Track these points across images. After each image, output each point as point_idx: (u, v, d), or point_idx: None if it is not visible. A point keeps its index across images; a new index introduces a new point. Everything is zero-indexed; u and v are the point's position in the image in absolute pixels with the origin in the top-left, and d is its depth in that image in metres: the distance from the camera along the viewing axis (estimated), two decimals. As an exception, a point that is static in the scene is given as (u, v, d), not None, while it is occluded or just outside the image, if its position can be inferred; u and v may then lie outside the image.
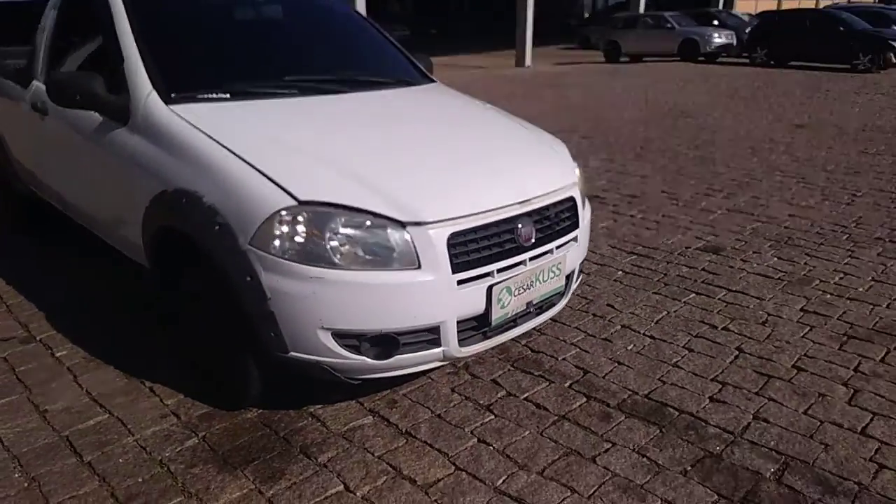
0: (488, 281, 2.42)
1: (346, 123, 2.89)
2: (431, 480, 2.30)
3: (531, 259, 2.56)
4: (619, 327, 3.41)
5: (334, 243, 2.25)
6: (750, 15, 24.32)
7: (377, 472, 2.34)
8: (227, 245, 2.31)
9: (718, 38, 19.76)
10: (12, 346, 3.18)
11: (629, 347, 3.20)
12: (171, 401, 2.74)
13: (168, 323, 3.20)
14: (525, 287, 2.57)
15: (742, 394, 2.81)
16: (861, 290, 3.81)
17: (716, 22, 21.67)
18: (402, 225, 2.29)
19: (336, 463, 2.38)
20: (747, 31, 20.26)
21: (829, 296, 3.73)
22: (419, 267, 2.29)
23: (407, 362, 2.41)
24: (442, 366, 2.69)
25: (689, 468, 2.35)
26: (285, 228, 2.25)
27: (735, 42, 20.02)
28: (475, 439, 2.52)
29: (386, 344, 2.35)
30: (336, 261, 2.24)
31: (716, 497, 2.21)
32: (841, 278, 3.97)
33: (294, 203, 2.26)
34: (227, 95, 2.89)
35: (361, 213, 2.28)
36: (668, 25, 20.45)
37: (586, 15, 50.43)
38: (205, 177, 2.45)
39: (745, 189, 6.00)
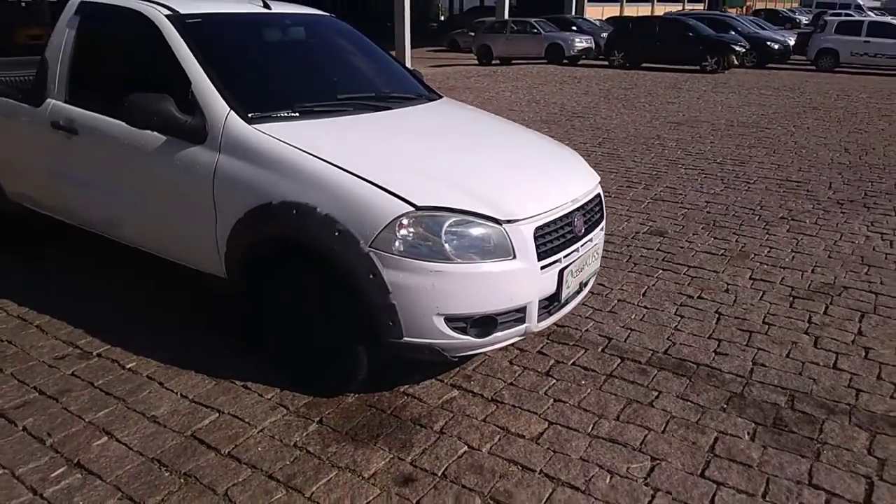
0: (559, 266, 2.92)
1: (409, 136, 3.27)
2: (535, 434, 2.75)
3: (582, 246, 3.09)
4: (616, 301, 4.02)
5: (448, 241, 2.65)
6: (601, 21, 26.43)
7: (489, 432, 2.76)
8: (349, 249, 2.63)
9: (580, 43, 21.40)
10: (74, 363, 3.22)
11: (633, 317, 3.82)
12: (270, 395, 2.98)
13: (254, 324, 3.33)
14: (580, 269, 3.10)
15: (736, 347, 3.50)
16: (788, 260, 4.70)
17: (574, 28, 23.38)
18: (499, 223, 2.72)
19: (451, 429, 2.77)
20: (603, 35, 22.14)
21: (766, 266, 4.58)
22: (514, 257, 2.74)
23: (500, 339, 2.85)
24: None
25: (725, 405, 2.98)
26: (405, 231, 2.62)
27: (594, 46, 21.77)
28: (551, 399, 3.00)
29: (487, 324, 2.77)
30: (450, 256, 2.64)
31: (753, 425, 2.84)
32: (769, 251, 4.85)
33: (411, 209, 2.63)
34: (297, 114, 3.16)
35: (468, 214, 2.69)
36: (535, 31, 21.83)
37: (441, 18, 51.79)
38: (314, 189, 2.73)
39: (658, 180, 6.90)
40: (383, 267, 2.61)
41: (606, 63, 20.96)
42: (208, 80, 3.11)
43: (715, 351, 3.45)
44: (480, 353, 3.17)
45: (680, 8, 38.34)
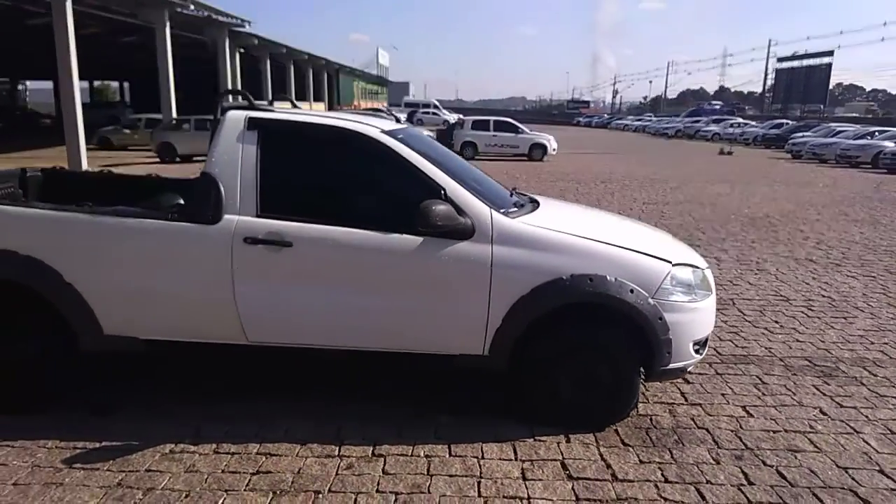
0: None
1: (593, 218, 4.31)
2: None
3: None
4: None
5: (694, 285, 3.77)
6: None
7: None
8: (642, 301, 3.56)
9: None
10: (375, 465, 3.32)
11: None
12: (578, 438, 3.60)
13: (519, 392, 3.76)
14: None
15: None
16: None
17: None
18: (702, 270, 3.94)
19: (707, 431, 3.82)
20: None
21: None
22: (713, 293, 3.97)
23: (702, 356, 4.01)
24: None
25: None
26: (669, 282, 3.66)
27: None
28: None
29: (705, 344, 3.94)
30: (696, 296, 3.77)
31: None
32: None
33: (671, 265, 3.70)
34: (515, 209, 3.90)
35: (695, 266, 3.85)
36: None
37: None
38: (598, 261, 3.59)
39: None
40: (664, 311, 3.60)
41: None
42: (458, 185, 3.66)
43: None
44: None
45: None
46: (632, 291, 3.55)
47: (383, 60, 73.10)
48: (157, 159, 21.67)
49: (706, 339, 3.94)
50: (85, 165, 18.73)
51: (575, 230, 3.76)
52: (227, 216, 3.59)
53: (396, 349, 3.70)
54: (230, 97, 4.12)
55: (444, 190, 3.62)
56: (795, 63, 65.06)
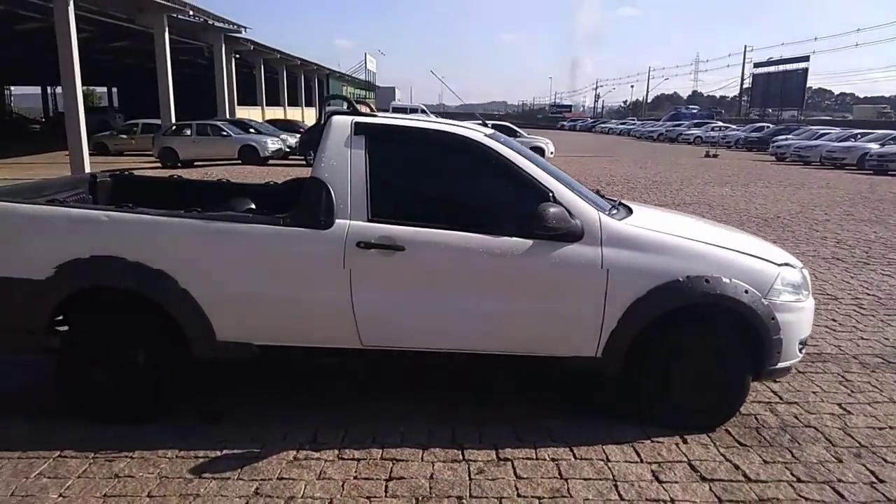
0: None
1: (685, 221, 4.38)
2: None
3: None
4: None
5: (799, 285, 3.81)
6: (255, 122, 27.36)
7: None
8: (756, 302, 3.60)
9: (273, 144, 22.19)
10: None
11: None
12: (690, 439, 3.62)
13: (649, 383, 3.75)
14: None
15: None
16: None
17: (252, 130, 24.00)
18: (801, 270, 3.98)
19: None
20: (283, 137, 23.43)
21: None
22: (811, 293, 4.02)
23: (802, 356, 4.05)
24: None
25: None
26: (779, 283, 3.71)
27: (283, 147, 22.83)
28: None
29: (805, 343, 3.98)
30: (801, 295, 3.81)
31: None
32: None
33: (779, 266, 3.74)
34: (615, 211, 3.94)
35: (793, 266, 3.89)
36: (224, 133, 21.87)
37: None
38: (714, 264, 3.62)
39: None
40: (775, 312, 3.64)
41: (304, 162, 22.13)
42: (565, 188, 3.69)
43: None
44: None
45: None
46: (746, 292, 3.58)
47: (371, 66, 73.03)
48: (159, 165, 21.42)
49: (807, 339, 3.99)
50: (88, 171, 18.52)
51: (679, 232, 3.79)
52: (338, 221, 3.57)
53: (509, 352, 3.70)
54: (329, 102, 4.08)
55: (553, 193, 3.64)
56: (772, 68, 66.02)
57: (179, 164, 21.43)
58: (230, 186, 5.19)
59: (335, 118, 3.77)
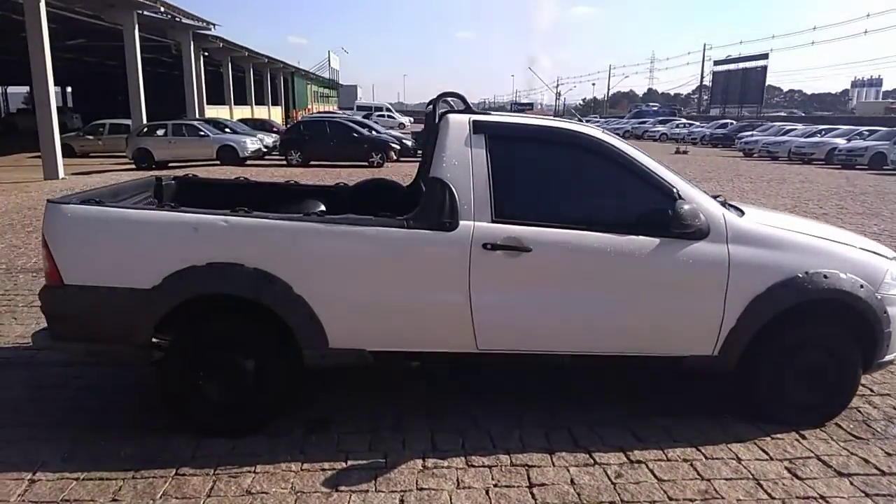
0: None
1: (792, 218, 4.38)
2: (935, 403, 4.09)
3: None
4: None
5: (903, 278, 3.86)
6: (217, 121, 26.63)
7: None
8: (870, 296, 3.62)
9: (252, 145, 21.72)
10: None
11: None
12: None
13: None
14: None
15: None
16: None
17: (228, 129, 23.46)
18: None
19: (911, 414, 3.91)
20: (260, 137, 22.97)
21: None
22: None
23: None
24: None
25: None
26: (889, 277, 3.74)
27: (262, 147, 22.38)
28: None
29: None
30: (904, 287, 3.86)
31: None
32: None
33: (888, 261, 3.78)
34: (731, 209, 3.91)
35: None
36: (202, 133, 21.31)
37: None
38: (830, 259, 3.63)
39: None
40: (888, 305, 3.67)
41: (284, 162, 21.74)
42: (688, 185, 3.65)
43: None
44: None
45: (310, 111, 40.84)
46: (861, 287, 3.60)
47: (335, 64, 72.24)
48: (133, 166, 20.75)
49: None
50: (62, 174, 17.84)
51: (793, 228, 3.80)
52: (462, 222, 3.46)
53: (630, 352, 3.65)
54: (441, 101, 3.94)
55: (677, 190, 3.60)
56: (732, 66, 67.57)
57: (154, 166, 20.80)
58: (299, 188, 5.01)
59: (451, 116, 3.66)
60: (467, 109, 3.78)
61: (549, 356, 3.63)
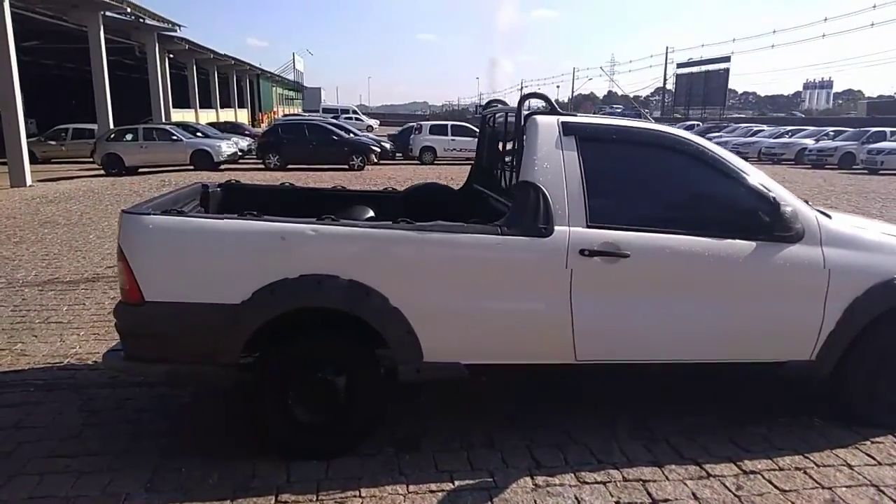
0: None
1: (868, 221, 4.33)
2: None
3: None
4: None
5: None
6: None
7: None
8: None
9: (227, 148, 21.20)
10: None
11: None
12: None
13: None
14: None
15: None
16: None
17: (199, 133, 22.87)
18: None
19: None
20: (234, 140, 22.49)
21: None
22: None
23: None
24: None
25: None
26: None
27: (238, 151, 21.88)
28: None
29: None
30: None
31: None
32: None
33: None
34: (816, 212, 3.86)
35: None
36: (175, 137, 20.70)
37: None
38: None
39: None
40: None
41: (262, 166, 21.27)
42: (781, 188, 3.58)
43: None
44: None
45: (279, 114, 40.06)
46: (948, 288, 3.57)
47: (300, 66, 71.38)
48: (101, 172, 20.04)
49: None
50: (29, 181, 17.11)
51: (885, 231, 3.78)
52: (557, 227, 3.31)
53: (729, 359, 3.54)
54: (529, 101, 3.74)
55: (774, 193, 3.52)
56: (695, 69, 68.74)
57: (124, 172, 20.13)
58: (346, 194, 4.79)
59: (539, 118, 3.50)
60: (553, 111, 3.62)
61: (647, 365, 3.51)
